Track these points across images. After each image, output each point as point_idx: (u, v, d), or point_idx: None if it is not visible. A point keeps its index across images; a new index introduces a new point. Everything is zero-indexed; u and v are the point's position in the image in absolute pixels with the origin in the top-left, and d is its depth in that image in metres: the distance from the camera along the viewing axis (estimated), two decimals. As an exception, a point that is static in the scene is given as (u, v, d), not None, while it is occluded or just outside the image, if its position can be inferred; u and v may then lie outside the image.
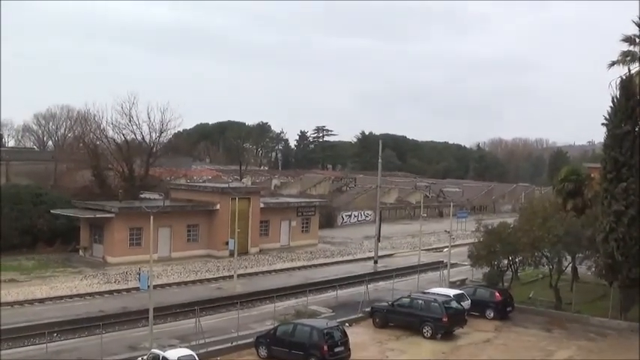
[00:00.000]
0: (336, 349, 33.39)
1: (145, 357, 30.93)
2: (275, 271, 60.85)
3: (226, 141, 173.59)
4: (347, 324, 40.23)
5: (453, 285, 51.47)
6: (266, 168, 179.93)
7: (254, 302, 47.14)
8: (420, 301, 40.81)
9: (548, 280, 49.07)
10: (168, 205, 65.74)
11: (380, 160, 71.98)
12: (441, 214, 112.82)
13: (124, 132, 76.50)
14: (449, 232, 57.90)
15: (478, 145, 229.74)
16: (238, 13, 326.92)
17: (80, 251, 62.79)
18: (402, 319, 40.86)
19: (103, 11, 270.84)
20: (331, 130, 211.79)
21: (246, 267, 60.36)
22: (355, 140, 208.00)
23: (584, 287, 49.23)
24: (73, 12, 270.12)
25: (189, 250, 65.00)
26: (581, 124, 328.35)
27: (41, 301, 45.25)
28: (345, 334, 34.67)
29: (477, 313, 44.10)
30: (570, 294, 47.19)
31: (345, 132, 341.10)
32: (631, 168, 40.61)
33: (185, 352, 30.74)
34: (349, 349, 34.22)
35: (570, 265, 49.61)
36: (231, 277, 53.86)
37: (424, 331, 39.42)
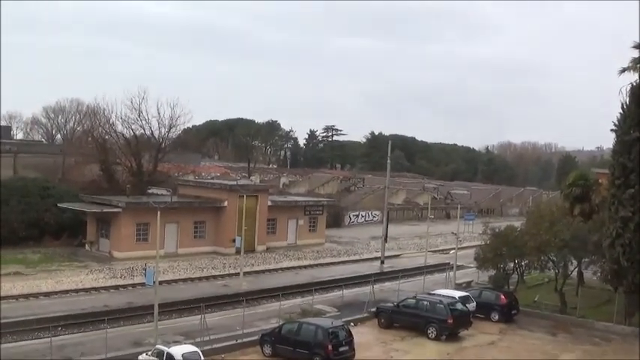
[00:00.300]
0: (341, 349, 33.39)
1: (149, 353, 30.96)
2: (281, 269, 60.90)
3: (235, 138, 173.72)
4: (352, 324, 40.28)
5: (458, 287, 51.37)
6: (274, 166, 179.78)
7: (259, 300, 47.13)
8: (426, 302, 40.82)
9: (554, 284, 49.00)
10: (175, 201, 65.94)
11: (389, 161, 72.22)
12: (448, 216, 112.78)
13: (133, 127, 76.60)
14: (456, 234, 57.91)
15: (487, 148, 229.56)
16: (251, 12, 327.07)
17: (86, 245, 62.89)
18: (407, 319, 40.87)
19: (115, 8, 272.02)
20: (341, 130, 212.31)
21: (252, 265, 60.38)
22: (364, 140, 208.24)
23: (589, 292, 49.29)
24: (86, 8, 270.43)
25: (196, 247, 65.04)
26: (590, 129, 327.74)
27: (46, 294, 45.29)
28: (350, 334, 34.67)
29: (482, 316, 44.16)
30: (575, 298, 47.10)
31: (355, 132, 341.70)
32: (639, 174, 40.51)
33: (190, 348, 30.80)
34: (354, 349, 34.22)
35: (576, 269, 49.53)
36: (237, 274, 53.97)
37: (429, 332, 39.45)
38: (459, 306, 41.32)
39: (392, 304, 42.64)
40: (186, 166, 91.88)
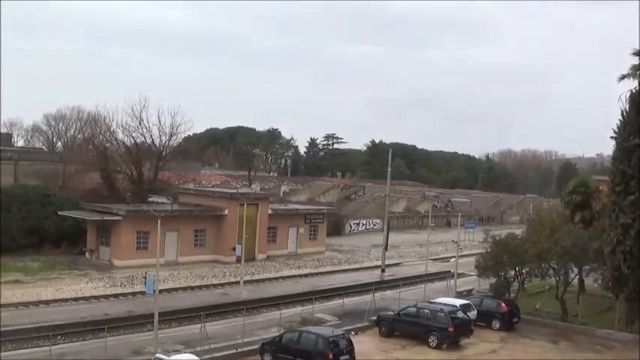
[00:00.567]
0: (342, 358, 33.30)
1: (149, 361, 30.91)
2: (282, 277, 60.84)
3: (236, 146, 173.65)
4: (353, 332, 40.17)
5: (459, 295, 51.27)
6: (275, 174, 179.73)
7: (260, 309, 46.98)
8: (427, 311, 40.74)
9: (555, 291, 48.90)
10: (176, 209, 65.90)
11: (389, 169, 72.22)
12: (448, 224, 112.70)
13: (133, 135, 76.39)
14: (456, 242, 57.88)
15: (487, 156, 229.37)
16: (251, 18, 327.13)
17: (86, 253, 62.83)
18: (408, 328, 40.76)
19: (115, 12, 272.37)
20: (341, 138, 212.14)
21: (252, 273, 60.28)
22: (365, 148, 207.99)
23: (590, 299, 49.21)
24: (86, 13, 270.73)
25: (196, 255, 64.96)
26: (590, 136, 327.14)
27: (46, 302, 45.24)
28: (350, 343, 34.64)
29: (483, 324, 44.01)
30: (576, 306, 47.01)
31: (355, 140, 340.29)
32: (639, 181, 40.46)
33: (190, 357, 30.64)
34: (354, 358, 34.17)
35: (577, 277, 49.42)
36: (237, 283, 53.90)
37: (430, 340, 39.31)
38: (460, 314, 41.23)
39: (393, 313, 42.53)
40: (186, 174, 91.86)
